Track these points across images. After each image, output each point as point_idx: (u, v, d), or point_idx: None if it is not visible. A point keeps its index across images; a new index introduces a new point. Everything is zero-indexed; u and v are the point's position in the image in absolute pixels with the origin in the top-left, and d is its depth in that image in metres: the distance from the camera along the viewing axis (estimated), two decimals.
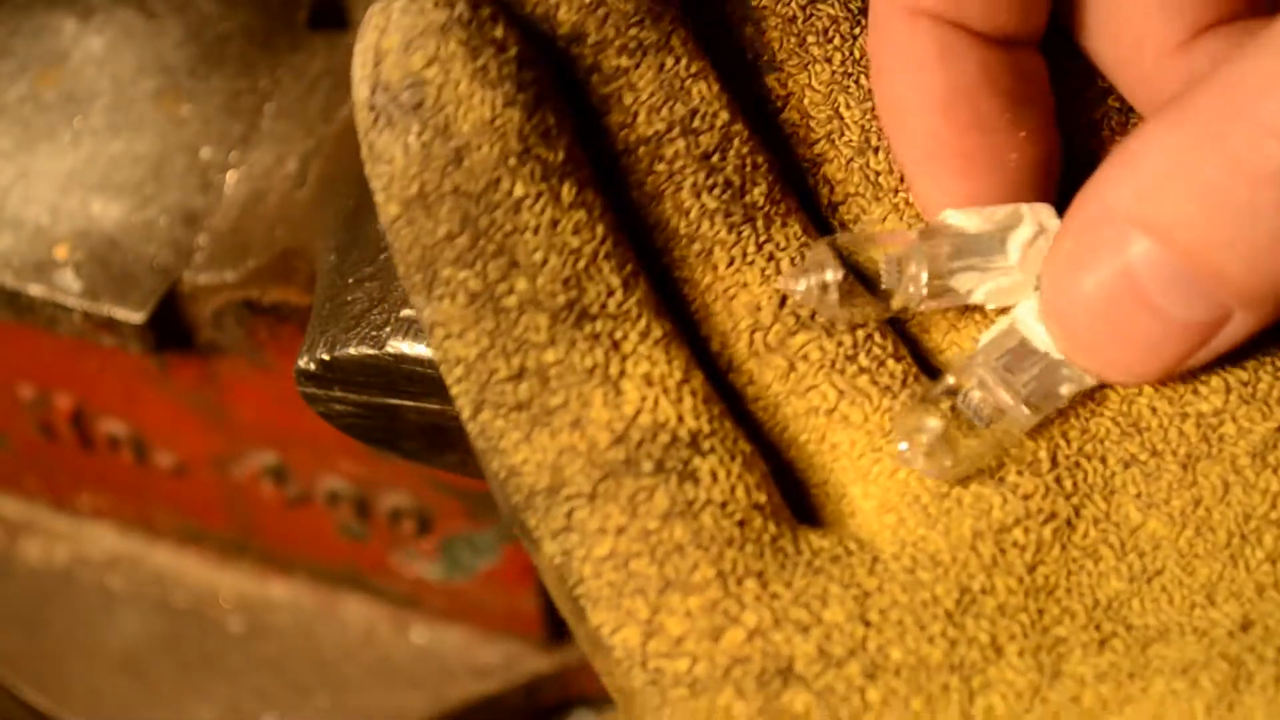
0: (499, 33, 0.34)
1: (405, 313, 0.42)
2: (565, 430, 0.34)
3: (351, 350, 0.42)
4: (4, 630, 0.69)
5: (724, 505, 0.33)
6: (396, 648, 0.69)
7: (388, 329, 0.42)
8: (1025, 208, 0.35)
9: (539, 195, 0.34)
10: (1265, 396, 0.35)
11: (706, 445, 0.34)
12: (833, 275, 0.35)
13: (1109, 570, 0.34)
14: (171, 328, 0.54)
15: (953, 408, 0.35)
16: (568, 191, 0.34)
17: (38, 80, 0.57)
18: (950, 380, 0.35)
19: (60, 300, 0.53)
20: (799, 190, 0.38)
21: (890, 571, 0.33)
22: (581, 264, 0.34)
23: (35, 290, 0.54)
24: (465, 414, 0.34)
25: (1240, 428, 0.34)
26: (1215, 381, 0.35)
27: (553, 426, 0.34)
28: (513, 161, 0.34)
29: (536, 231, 0.34)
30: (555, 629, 0.68)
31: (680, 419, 0.34)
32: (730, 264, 0.36)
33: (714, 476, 0.34)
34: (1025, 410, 0.35)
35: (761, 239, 0.36)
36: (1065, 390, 0.35)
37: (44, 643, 0.69)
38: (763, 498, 0.34)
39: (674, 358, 0.34)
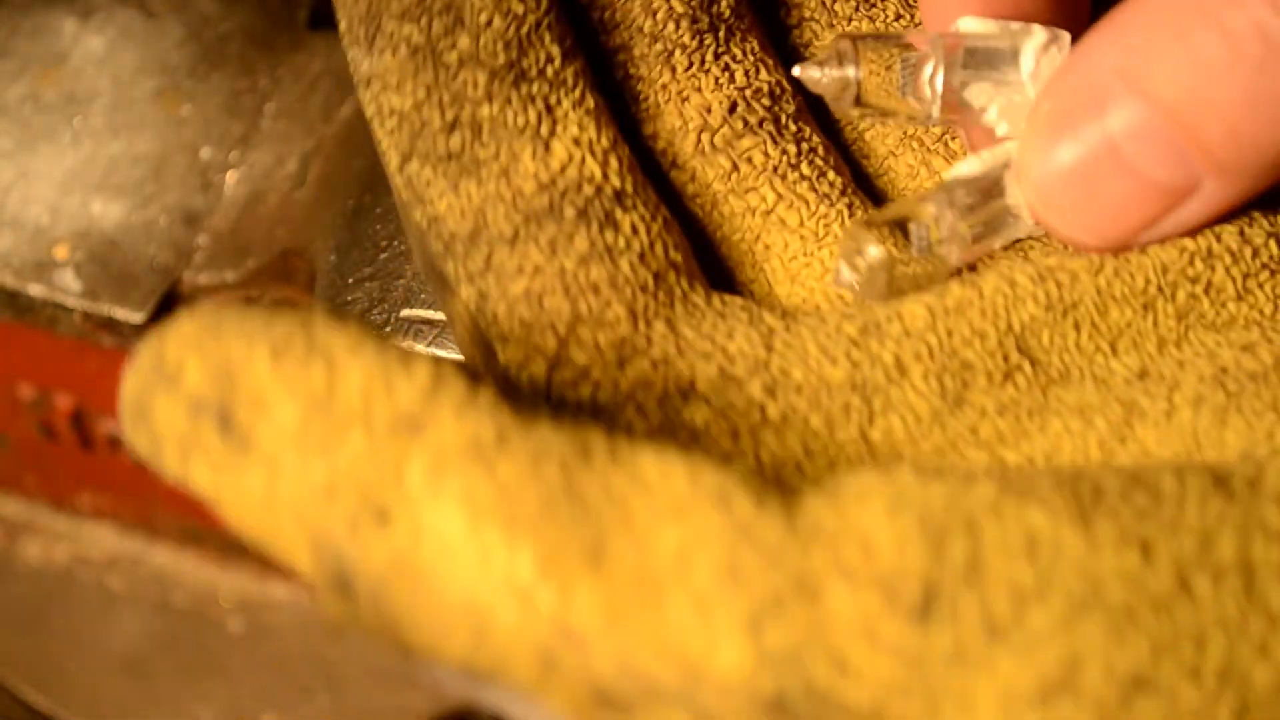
0: None
1: (405, 313, 0.42)
2: (492, 180, 0.34)
3: None
4: (4, 630, 0.69)
5: (641, 256, 0.34)
6: None
7: (388, 329, 0.42)
8: (1039, 26, 0.36)
9: None
10: None
11: (629, 202, 0.34)
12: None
13: (1025, 295, 0.34)
14: None
15: (898, 235, 0.35)
16: None
17: (38, 80, 0.57)
18: (899, 210, 0.35)
19: (60, 300, 0.53)
20: (765, 8, 0.39)
21: (798, 316, 0.34)
22: (524, 30, 0.35)
23: (35, 290, 0.54)
24: (393, 165, 0.35)
25: None
26: None
27: (480, 176, 0.34)
28: None
29: None
30: None
31: (606, 177, 0.34)
32: (688, 67, 0.37)
33: (634, 229, 0.34)
34: (969, 246, 0.35)
35: (720, 49, 0.37)
36: (1014, 234, 0.36)
37: (44, 643, 0.69)
38: (679, 258, 0.34)
39: (604, 127, 0.35)
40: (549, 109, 0.35)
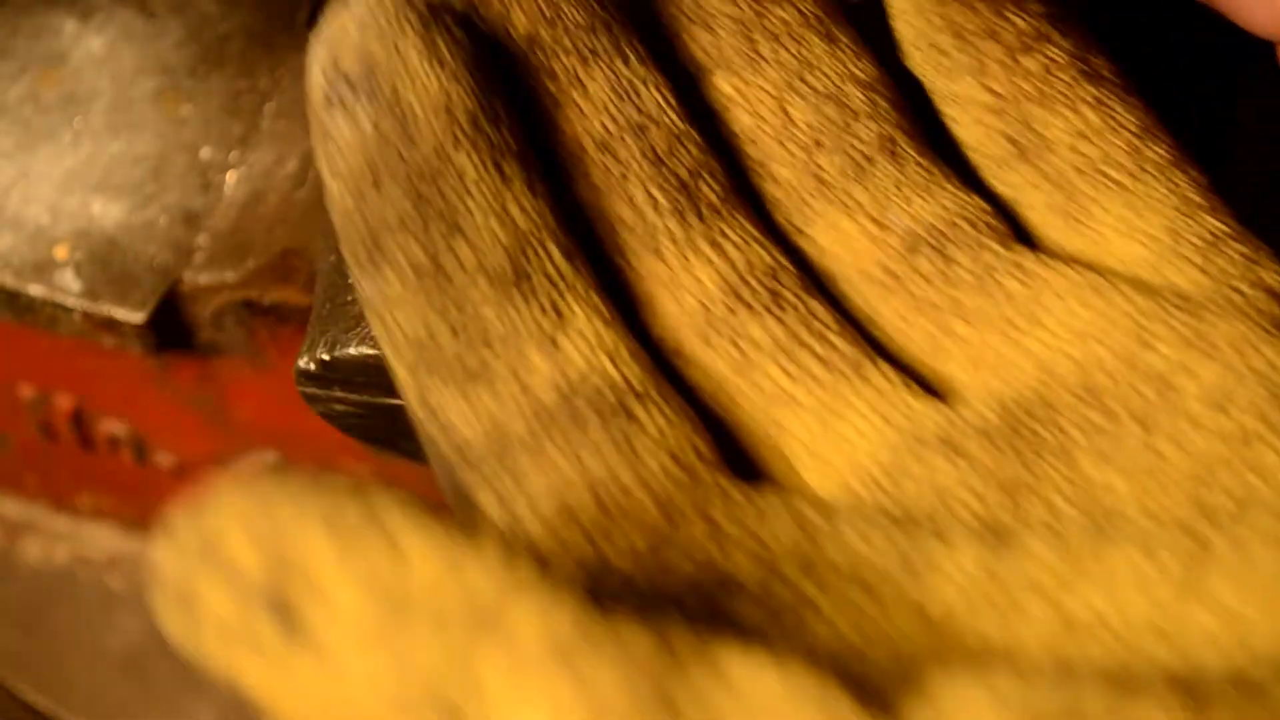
0: (452, 27, 0.35)
1: None
2: (504, 385, 0.34)
3: (351, 350, 0.42)
4: (4, 630, 0.69)
5: (670, 453, 0.33)
6: None
7: None
8: None
9: (486, 172, 0.34)
10: (1208, 337, 0.35)
11: (648, 399, 0.34)
12: None
13: (1069, 523, 0.33)
14: (171, 328, 0.54)
15: None
16: (513, 171, 0.35)
17: (38, 80, 0.57)
18: None
19: (60, 300, 0.53)
20: (748, 191, 0.38)
21: (831, 502, 0.33)
22: (525, 238, 0.35)
23: (35, 290, 0.54)
24: (403, 379, 0.34)
25: (1191, 374, 0.34)
26: (1164, 332, 0.35)
27: (491, 383, 0.34)
28: (463, 140, 0.34)
29: (483, 206, 0.34)
30: None
31: (621, 375, 0.34)
32: (678, 255, 0.36)
33: (658, 427, 0.33)
34: None
35: (710, 232, 0.36)
36: None
37: (44, 643, 0.69)
38: (705, 450, 0.34)
39: (612, 324, 0.35)
40: (556, 310, 0.34)
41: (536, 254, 0.35)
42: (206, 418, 0.61)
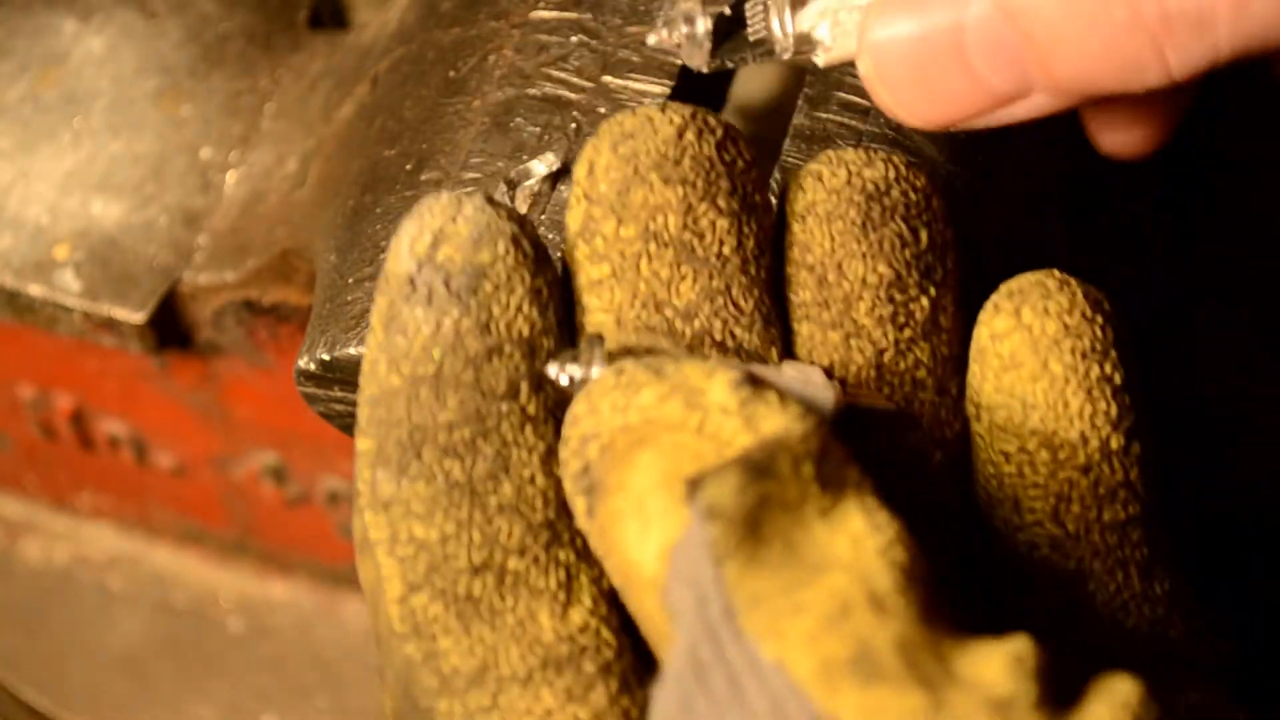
0: (553, 264, 0.35)
1: None
2: (507, 629, 0.34)
3: (351, 350, 0.42)
4: (4, 630, 0.69)
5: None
6: None
7: None
8: None
9: (547, 423, 0.35)
10: None
11: (643, 676, 0.35)
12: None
13: None
14: (171, 328, 0.54)
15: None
16: (551, 437, 0.35)
17: (38, 80, 0.57)
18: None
19: (60, 300, 0.53)
20: None
21: None
22: (561, 509, 0.35)
23: (35, 290, 0.54)
24: (393, 593, 0.35)
25: None
26: None
27: (495, 624, 0.34)
28: (530, 376, 0.35)
29: (532, 451, 0.35)
30: None
31: (620, 647, 0.35)
32: None
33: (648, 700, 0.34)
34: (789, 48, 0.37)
35: None
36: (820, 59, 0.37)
37: (44, 643, 0.69)
38: None
39: (616, 605, 0.35)
40: (570, 578, 0.35)
41: (568, 516, 0.35)
42: (206, 417, 0.61)
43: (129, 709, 0.68)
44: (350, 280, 0.44)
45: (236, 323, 0.54)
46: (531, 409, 0.35)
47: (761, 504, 0.30)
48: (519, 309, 0.35)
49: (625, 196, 0.35)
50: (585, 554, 0.35)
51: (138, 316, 0.53)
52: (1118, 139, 0.40)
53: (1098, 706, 0.29)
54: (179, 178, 0.54)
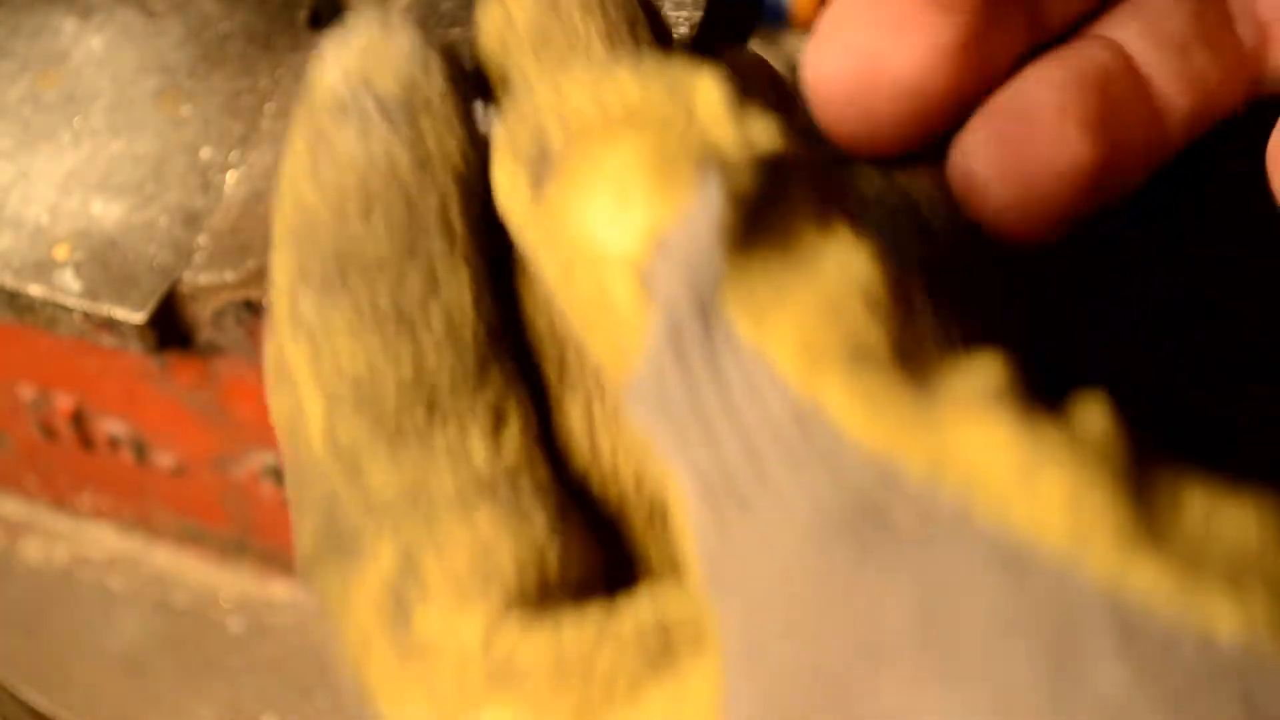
0: (487, 90, 0.34)
1: None
2: (439, 457, 0.33)
3: None
4: (4, 630, 0.69)
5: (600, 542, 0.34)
6: None
7: None
8: None
9: (478, 252, 0.34)
10: None
11: (573, 502, 0.34)
12: None
13: None
14: (171, 328, 0.54)
15: None
16: (494, 264, 0.34)
17: (38, 80, 0.57)
18: None
19: (60, 300, 0.53)
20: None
21: None
22: (495, 332, 0.34)
23: (35, 290, 0.54)
24: (316, 421, 0.33)
25: None
26: None
27: (426, 451, 0.33)
28: (467, 208, 0.33)
29: (462, 284, 0.33)
30: None
31: (554, 481, 0.33)
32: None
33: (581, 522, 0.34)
34: None
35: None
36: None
37: (44, 643, 0.69)
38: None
39: (539, 443, 0.34)
40: (500, 411, 0.33)
41: (499, 353, 0.34)
42: (206, 418, 0.61)
43: (129, 709, 0.68)
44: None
45: (236, 323, 0.54)
46: (462, 240, 0.33)
47: (766, 201, 0.30)
48: (452, 134, 0.33)
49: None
50: (512, 384, 0.34)
51: (138, 316, 0.53)
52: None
53: (1083, 410, 0.28)
54: (179, 178, 0.54)
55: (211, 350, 0.56)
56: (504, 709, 0.31)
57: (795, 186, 0.30)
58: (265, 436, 0.62)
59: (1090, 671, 0.25)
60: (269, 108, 0.55)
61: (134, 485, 0.67)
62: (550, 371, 0.35)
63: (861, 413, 0.27)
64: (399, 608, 0.32)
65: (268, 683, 0.68)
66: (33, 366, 0.62)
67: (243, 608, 0.70)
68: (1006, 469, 0.26)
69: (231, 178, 0.54)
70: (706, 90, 0.31)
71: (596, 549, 0.33)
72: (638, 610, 0.32)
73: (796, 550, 0.27)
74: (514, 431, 0.33)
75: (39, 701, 0.68)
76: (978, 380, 0.28)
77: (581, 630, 0.31)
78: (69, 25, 0.57)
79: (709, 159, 0.30)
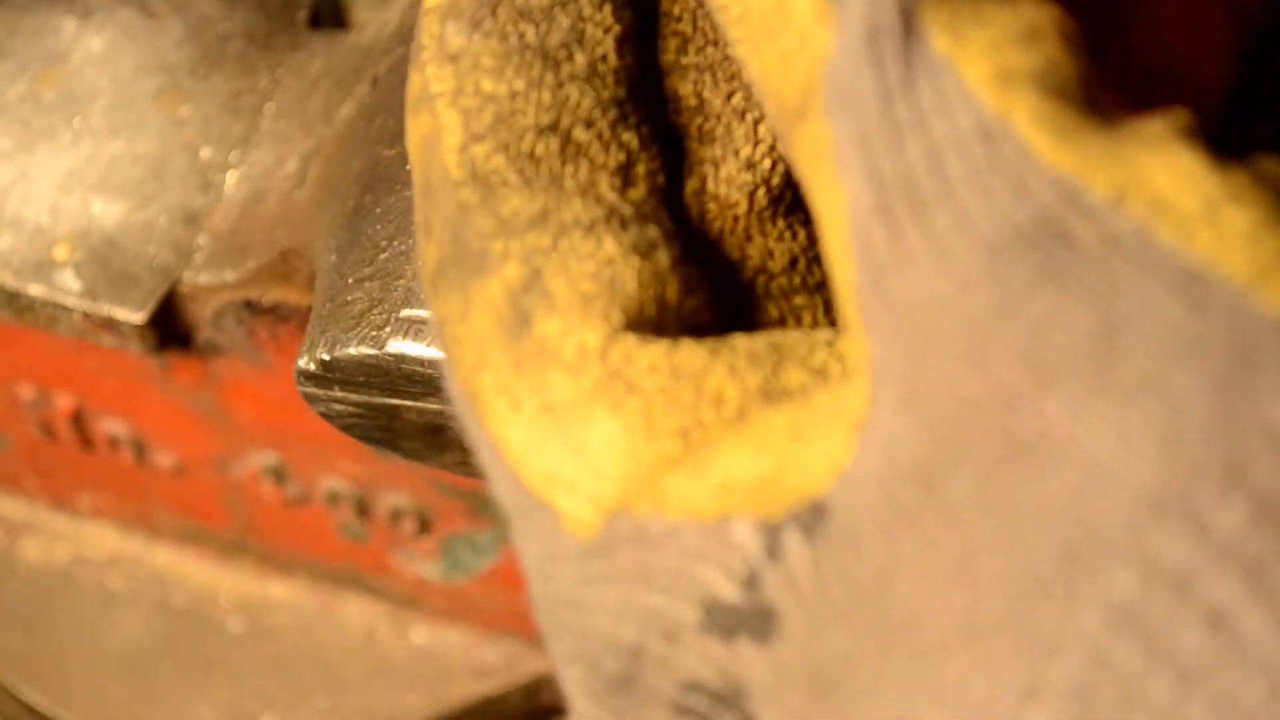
0: None
1: (405, 313, 0.42)
2: (569, 190, 0.33)
3: (351, 350, 0.42)
4: (4, 630, 0.69)
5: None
6: (396, 648, 0.69)
7: (388, 329, 0.42)
8: None
9: (624, 4, 0.35)
10: None
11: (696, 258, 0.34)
12: None
13: None
14: (171, 328, 0.54)
15: None
16: (628, 23, 0.35)
17: (38, 80, 0.57)
18: None
19: (60, 300, 0.53)
20: None
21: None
22: (634, 80, 0.35)
23: (35, 290, 0.54)
24: (453, 141, 0.34)
25: None
26: None
27: (556, 184, 0.34)
28: None
29: (608, 31, 0.35)
30: None
31: (679, 226, 0.34)
32: (757, 210, 0.36)
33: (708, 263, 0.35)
34: None
35: (788, 210, 0.36)
36: None
37: (44, 643, 0.69)
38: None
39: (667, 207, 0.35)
40: (630, 163, 0.34)
41: (638, 101, 0.35)
42: (206, 418, 0.61)
43: (129, 709, 0.68)
44: (350, 280, 0.44)
45: (236, 323, 0.54)
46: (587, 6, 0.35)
47: None
48: None
49: None
50: (646, 143, 0.34)
51: (138, 316, 0.53)
52: None
53: (1266, 161, 0.28)
54: (179, 178, 0.54)
55: (211, 350, 0.56)
56: (614, 419, 0.31)
57: None
58: (265, 436, 0.62)
59: (1262, 395, 0.25)
60: (269, 108, 0.55)
61: (134, 485, 0.67)
62: (690, 136, 0.36)
63: (1050, 134, 0.28)
64: (520, 319, 0.32)
65: (268, 683, 0.68)
66: (33, 366, 0.62)
67: (243, 608, 0.70)
68: (1192, 198, 0.27)
69: (231, 178, 0.54)
70: None
71: (714, 302, 0.34)
72: (752, 339, 0.32)
73: (974, 264, 0.27)
74: (643, 178, 0.34)
75: (39, 701, 0.68)
76: (1165, 123, 0.28)
77: (696, 349, 0.32)
78: (69, 25, 0.57)
79: None
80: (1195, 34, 0.38)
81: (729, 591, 0.30)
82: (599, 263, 0.33)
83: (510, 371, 0.32)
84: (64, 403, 0.63)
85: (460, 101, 0.34)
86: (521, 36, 0.34)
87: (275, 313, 0.54)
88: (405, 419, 0.43)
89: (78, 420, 0.64)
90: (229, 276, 0.53)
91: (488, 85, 0.34)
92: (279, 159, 0.54)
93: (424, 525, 0.63)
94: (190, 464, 0.65)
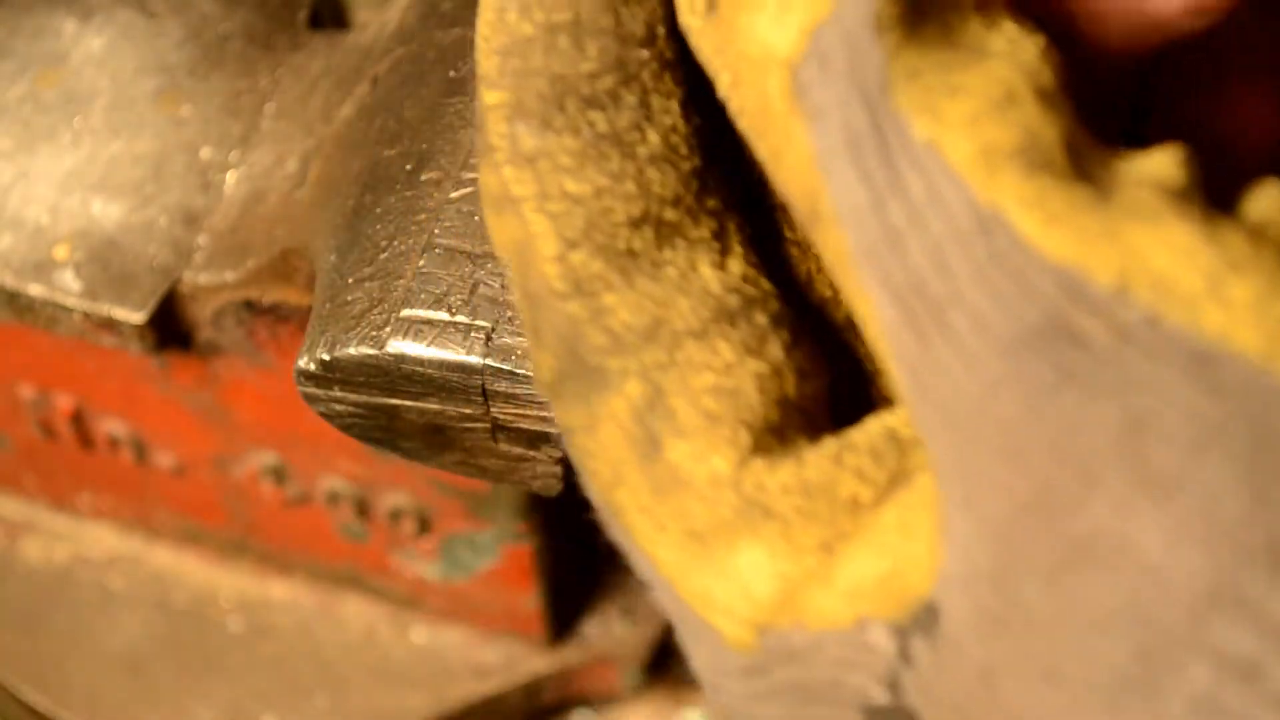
0: None
1: (405, 313, 0.42)
2: (672, 282, 0.33)
3: (351, 350, 0.42)
4: (4, 630, 0.69)
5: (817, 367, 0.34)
6: (396, 648, 0.69)
7: (388, 329, 0.42)
8: None
9: (681, 65, 0.34)
10: None
11: (806, 327, 0.34)
12: None
13: None
14: (171, 328, 0.54)
15: None
16: (691, 91, 0.34)
17: (38, 80, 0.57)
18: None
19: (60, 300, 0.53)
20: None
21: None
22: (706, 143, 0.34)
23: (35, 290, 0.54)
24: (550, 250, 0.33)
25: None
26: None
27: (658, 277, 0.33)
28: (668, 26, 0.34)
29: (671, 97, 0.34)
30: (555, 629, 0.68)
31: (784, 301, 0.34)
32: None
33: (812, 349, 0.34)
34: None
35: None
36: None
37: (44, 643, 0.69)
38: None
39: (760, 264, 0.34)
40: (722, 227, 0.34)
41: (715, 174, 0.34)
42: (206, 418, 0.61)
43: (129, 709, 0.68)
44: (350, 280, 0.44)
45: (236, 323, 0.54)
46: (669, 53, 0.34)
47: None
48: None
49: None
50: (730, 202, 0.34)
51: (138, 316, 0.53)
52: None
53: (1261, 203, 0.28)
54: (179, 178, 0.54)
55: (211, 350, 0.56)
56: (758, 545, 0.32)
57: None
58: (265, 436, 0.62)
59: None
60: (269, 108, 0.55)
61: (134, 485, 0.67)
62: (769, 195, 0.35)
63: (1042, 220, 0.28)
64: (649, 439, 0.33)
65: (267, 683, 0.68)
66: (33, 366, 0.62)
67: (242, 608, 0.70)
68: (1193, 275, 0.27)
69: (231, 178, 0.54)
70: None
71: (825, 362, 0.34)
72: (867, 428, 0.32)
73: (997, 365, 0.27)
74: (738, 251, 0.34)
75: (39, 701, 0.68)
76: (1154, 177, 0.28)
77: (820, 456, 0.32)
78: (69, 25, 0.57)
79: None
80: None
81: (879, 694, 0.30)
82: (717, 373, 0.33)
83: (648, 495, 0.33)
84: (64, 403, 0.63)
85: (547, 207, 0.33)
86: (593, 126, 0.33)
87: (275, 313, 0.54)
88: (405, 419, 0.43)
89: (78, 420, 0.64)
90: (229, 276, 0.53)
91: (571, 186, 0.33)
92: (279, 159, 0.54)
93: (424, 525, 0.63)
94: (190, 464, 0.65)
